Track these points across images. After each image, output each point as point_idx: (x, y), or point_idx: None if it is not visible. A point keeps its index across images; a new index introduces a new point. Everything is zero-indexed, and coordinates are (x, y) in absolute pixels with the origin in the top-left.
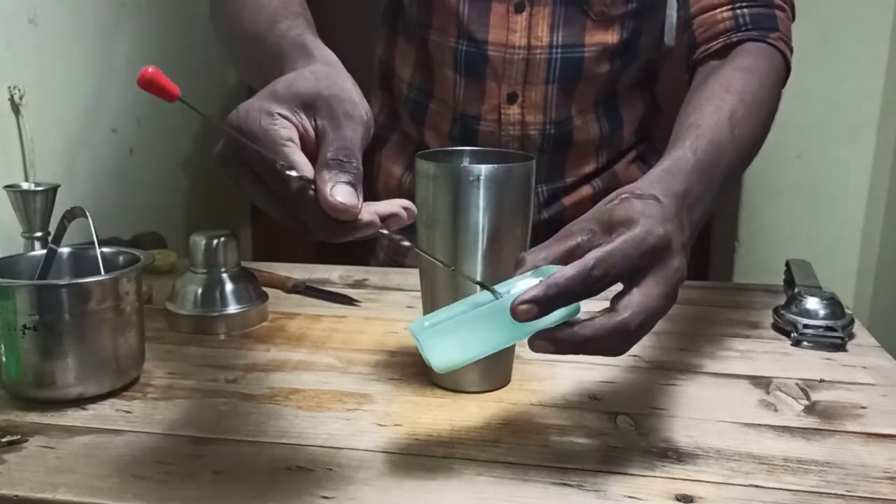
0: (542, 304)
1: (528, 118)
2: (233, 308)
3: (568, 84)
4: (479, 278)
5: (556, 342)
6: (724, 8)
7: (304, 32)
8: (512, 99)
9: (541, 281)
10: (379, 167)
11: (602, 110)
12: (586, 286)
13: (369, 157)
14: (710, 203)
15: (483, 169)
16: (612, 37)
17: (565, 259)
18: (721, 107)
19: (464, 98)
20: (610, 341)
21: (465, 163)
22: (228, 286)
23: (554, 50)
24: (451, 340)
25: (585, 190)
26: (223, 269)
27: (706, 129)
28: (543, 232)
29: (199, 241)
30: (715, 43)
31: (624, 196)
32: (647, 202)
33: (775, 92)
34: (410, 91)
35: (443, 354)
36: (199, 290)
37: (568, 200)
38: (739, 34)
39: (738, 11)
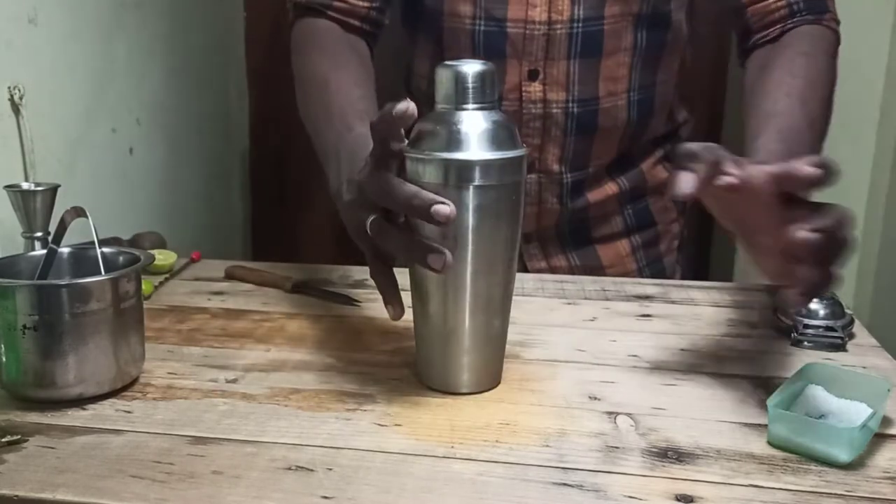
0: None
1: (551, 95)
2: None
3: (590, 59)
4: (468, 275)
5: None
6: None
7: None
8: (533, 76)
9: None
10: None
11: (636, 96)
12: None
13: None
14: None
15: (473, 164)
16: (632, 6)
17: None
18: (791, 92)
19: None
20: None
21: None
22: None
23: (575, 24)
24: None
25: (611, 188)
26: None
27: (783, 115)
28: (567, 230)
29: None
30: (772, 30)
31: None
32: None
33: (834, 65)
34: (430, 87)
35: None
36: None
37: (592, 197)
38: (795, 20)
39: None
